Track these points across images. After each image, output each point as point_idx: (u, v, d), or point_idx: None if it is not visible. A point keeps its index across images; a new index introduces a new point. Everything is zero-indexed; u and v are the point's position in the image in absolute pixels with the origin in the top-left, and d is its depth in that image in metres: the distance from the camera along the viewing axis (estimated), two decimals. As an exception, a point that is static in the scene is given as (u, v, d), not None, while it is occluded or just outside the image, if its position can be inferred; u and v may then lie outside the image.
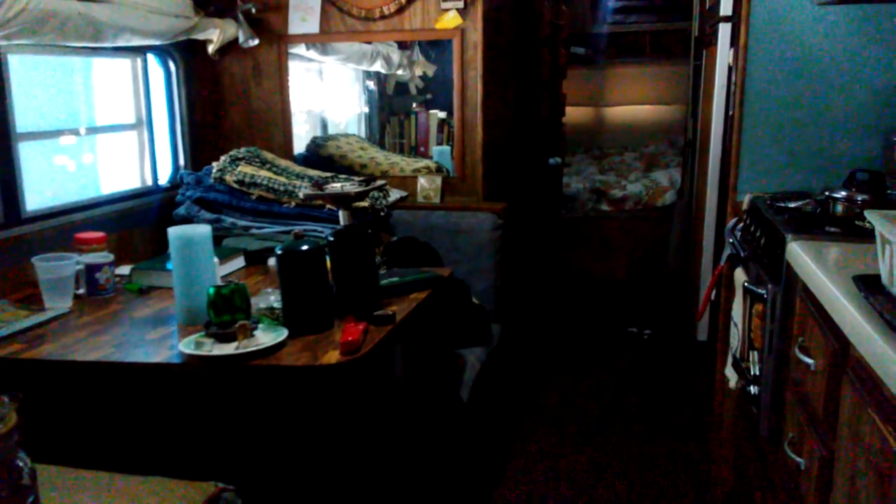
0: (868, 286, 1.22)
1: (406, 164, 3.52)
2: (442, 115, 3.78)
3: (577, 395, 3.62)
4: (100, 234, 2.35)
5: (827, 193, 1.94)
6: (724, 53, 3.07)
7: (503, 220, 3.10)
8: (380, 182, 2.47)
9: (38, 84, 2.68)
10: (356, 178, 2.68)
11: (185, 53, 3.20)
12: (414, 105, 3.98)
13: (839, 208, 1.89)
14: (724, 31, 3.05)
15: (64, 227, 2.49)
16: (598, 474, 2.88)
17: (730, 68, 2.95)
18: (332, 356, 1.67)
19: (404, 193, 3.22)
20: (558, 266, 5.01)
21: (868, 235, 1.41)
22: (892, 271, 1.15)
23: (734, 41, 2.76)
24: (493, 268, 3.08)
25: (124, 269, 2.36)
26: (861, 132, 2.29)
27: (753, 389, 1.90)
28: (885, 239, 1.17)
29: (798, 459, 1.49)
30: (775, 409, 1.79)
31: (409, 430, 2.22)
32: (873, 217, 1.22)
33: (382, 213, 2.97)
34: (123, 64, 3.01)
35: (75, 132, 2.86)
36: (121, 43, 2.62)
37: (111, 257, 2.24)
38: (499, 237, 3.07)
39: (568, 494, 2.75)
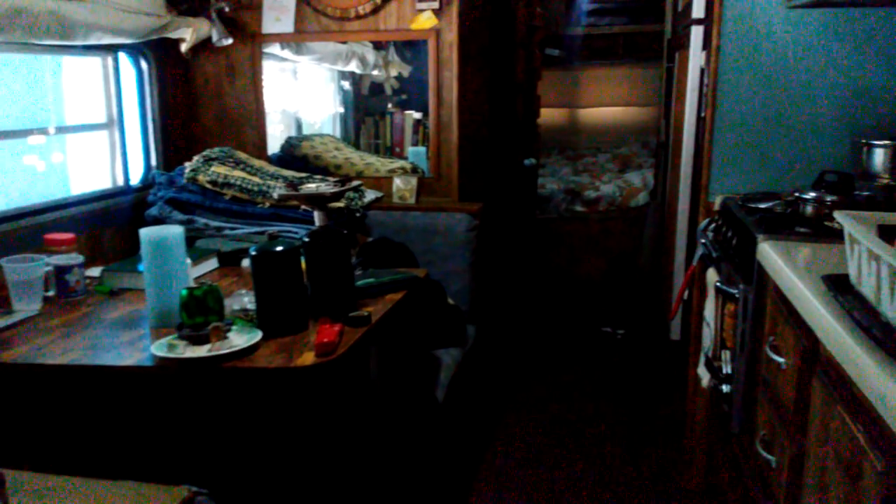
0: (837, 286, 1.24)
1: (381, 164, 3.51)
2: (417, 115, 3.78)
3: (552, 394, 3.64)
4: (69, 236, 2.31)
5: (797, 194, 1.97)
6: (696, 55, 3.10)
7: (478, 220, 3.10)
8: (355, 183, 2.46)
9: (7, 82, 2.64)
10: (331, 179, 2.67)
11: (158, 52, 3.16)
12: (389, 105, 3.97)
13: (809, 209, 1.92)
14: (697, 33, 3.08)
15: (33, 227, 2.44)
16: (572, 473, 2.89)
17: (702, 70, 2.98)
18: (307, 358, 1.66)
19: (380, 194, 3.22)
20: (533, 266, 5.03)
21: (837, 236, 1.43)
22: (860, 271, 1.17)
23: (706, 43, 2.79)
24: (469, 268, 3.08)
25: (95, 271, 2.33)
26: (830, 134, 2.32)
27: (725, 388, 1.92)
28: (854, 239, 1.19)
29: (769, 457, 1.51)
30: (747, 408, 1.81)
31: (385, 431, 2.22)
32: (842, 217, 1.24)
33: (358, 214, 2.96)
34: (94, 62, 2.97)
35: (44, 131, 2.81)
36: (92, 41, 2.59)
37: (81, 259, 2.21)
38: (474, 238, 3.08)
39: (542, 493, 2.76)
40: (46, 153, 2.86)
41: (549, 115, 6.28)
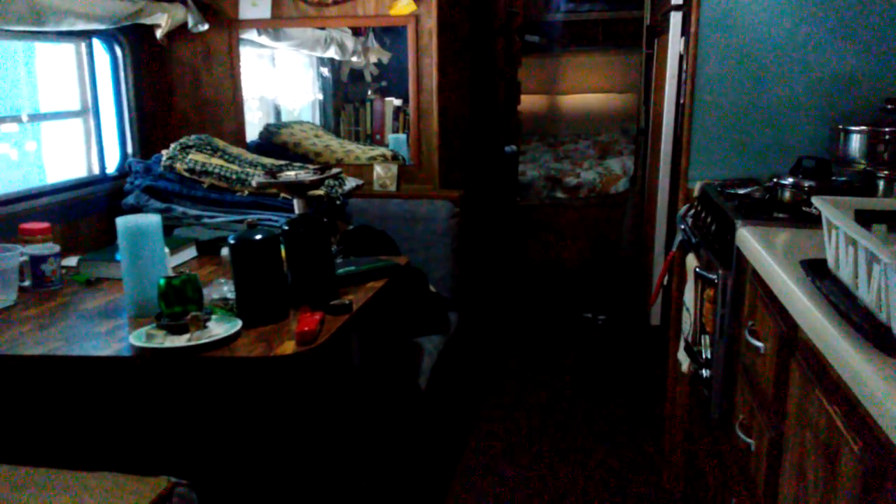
0: (815, 270, 1.25)
1: (362, 151, 3.49)
2: (397, 102, 3.76)
3: (534, 380, 3.66)
4: (44, 225, 2.27)
5: (775, 180, 1.99)
6: (675, 42, 3.10)
7: (460, 207, 3.10)
8: (335, 170, 2.44)
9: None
10: (311, 167, 2.65)
11: (133, 38, 3.11)
12: (369, 92, 3.94)
13: (787, 195, 1.93)
14: (676, 19, 3.08)
15: (7, 217, 2.41)
16: (554, 457, 2.91)
17: (681, 57, 2.98)
18: (288, 346, 1.65)
19: (360, 181, 3.20)
20: (514, 253, 5.04)
21: (815, 221, 1.44)
22: (837, 256, 1.18)
23: (685, 30, 2.79)
24: (450, 255, 3.08)
25: (71, 261, 2.30)
26: (808, 120, 2.34)
27: (705, 373, 1.94)
28: (832, 224, 1.20)
29: (748, 440, 1.53)
30: (726, 392, 1.82)
31: (367, 418, 2.21)
32: (820, 203, 1.25)
33: (338, 202, 2.94)
34: (68, 49, 2.92)
35: (17, 119, 2.76)
36: (64, 27, 2.54)
37: (57, 248, 2.18)
38: (455, 225, 3.07)
39: (525, 479, 2.78)
40: (20, 141, 2.81)
41: (530, 102, 6.27)
